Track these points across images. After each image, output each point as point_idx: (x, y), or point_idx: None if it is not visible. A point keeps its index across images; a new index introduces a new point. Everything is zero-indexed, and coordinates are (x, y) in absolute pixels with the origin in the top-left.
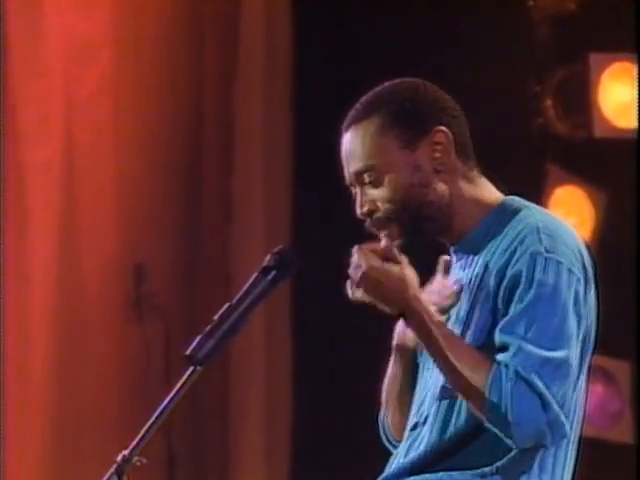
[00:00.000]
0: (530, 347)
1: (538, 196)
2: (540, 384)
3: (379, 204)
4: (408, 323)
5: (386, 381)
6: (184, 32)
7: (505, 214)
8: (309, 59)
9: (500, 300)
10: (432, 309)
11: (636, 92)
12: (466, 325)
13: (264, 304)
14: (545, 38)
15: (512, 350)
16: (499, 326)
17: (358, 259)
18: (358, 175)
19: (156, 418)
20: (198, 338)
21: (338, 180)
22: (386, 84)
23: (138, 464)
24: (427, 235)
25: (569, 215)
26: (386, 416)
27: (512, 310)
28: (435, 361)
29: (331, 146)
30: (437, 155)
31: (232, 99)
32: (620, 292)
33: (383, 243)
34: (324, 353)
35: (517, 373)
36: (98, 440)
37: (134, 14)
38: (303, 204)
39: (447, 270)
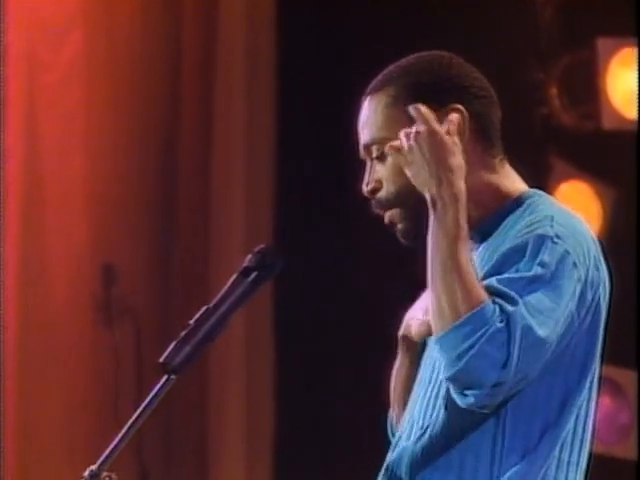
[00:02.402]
0: (526, 311)
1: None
2: (517, 348)
3: (383, 182)
4: (434, 205)
5: (393, 373)
6: (160, 14)
7: (521, 206)
8: (292, 55)
9: (493, 263)
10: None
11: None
12: None
13: (244, 308)
14: (549, 22)
15: (513, 300)
16: (496, 277)
17: (419, 116)
18: (367, 148)
19: (127, 431)
20: (173, 344)
21: (321, 178)
22: (412, 55)
23: None
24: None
25: (575, 212)
26: (393, 410)
27: (511, 272)
28: (434, 257)
29: (314, 144)
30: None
31: (211, 91)
32: (628, 295)
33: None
34: (308, 360)
35: (508, 322)
36: (64, 453)
37: None
38: (285, 202)
39: None
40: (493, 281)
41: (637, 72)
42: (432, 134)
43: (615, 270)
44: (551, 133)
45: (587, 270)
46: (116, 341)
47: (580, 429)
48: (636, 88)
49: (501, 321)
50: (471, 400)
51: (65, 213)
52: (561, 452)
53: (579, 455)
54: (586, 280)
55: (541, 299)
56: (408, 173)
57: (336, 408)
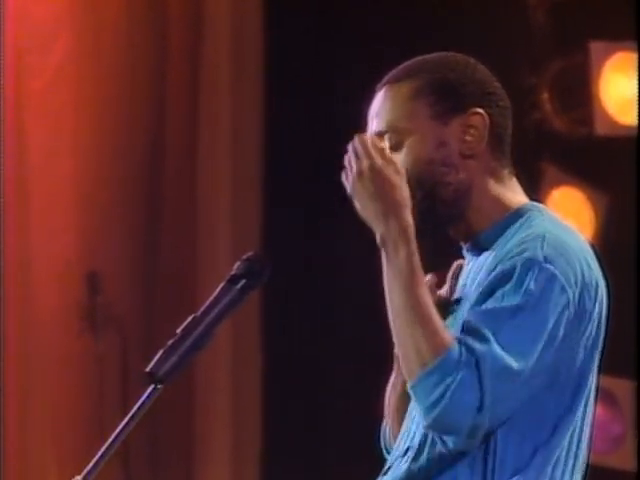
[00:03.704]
0: (498, 348)
1: (533, 199)
2: (490, 388)
3: None
4: (385, 245)
5: (388, 389)
6: (146, 18)
7: (518, 219)
8: (279, 58)
9: (481, 290)
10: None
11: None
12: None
13: (231, 316)
14: (541, 25)
15: (483, 339)
16: (473, 308)
17: (360, 150)
18: (379, 136)
19: (112, 441)
20: (159, 354)
21: (309, 183)
22: (435, 53)
23: None
24: (439, 220)
25: (566, 219)
26: (387, 425)
27: (491, 302)
28: (391, 301)
29: (302, 147)
30: (468, 138)
31: (197, 95)
32: (622, 304)
33: (386, 144)
34: (295, 368)
35: (477, 363)
36: (51, 463)
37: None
38: (273, 208)
39: (455, 278)
40: (471, 315)
41: (637, 77)
42: (375, 170)
43: (608, 277)
44: (543, 138)
45: (580, 291)
46: (101, 350)
47: (574, 446)
48: (629, 93)
49: (469, 364)
50: (450, 445)
51: (51, 219)
52: (554, 470)
53: (572, 471)
54: (579, 302)
55: (521, 329)
56: (355, 204)
57: (323, 415)
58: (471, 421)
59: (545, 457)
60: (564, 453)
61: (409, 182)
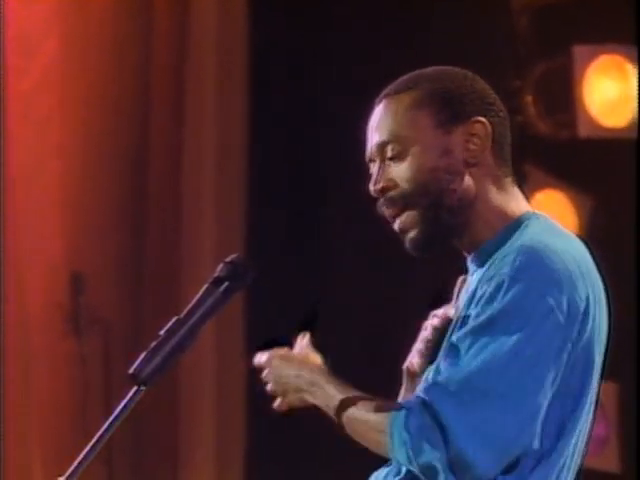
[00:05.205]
0: (453, 371)
1: None
2: (445, 414)
3: (398, 182)
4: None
5: None
6: (133, 21)
7: (517, 229)
8: (265, 62)
9: (463, 315)
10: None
11: (623, 87)
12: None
13: (215, 318)
14: (525, 29)
15: (431, 377)
16: (450, 339)
17: (265, 363)
18: (382, 146)
19: (95, 443)
20: (142, 355)
21: (293, 187)
22: (429, 68)
23: None
24: (444, 230)
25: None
26: None
27: (460, 333)
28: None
29: (286, 152)
30: (471, 147)
31: (182, 98)
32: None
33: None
34: None
35: (424, 403)
36: (33, 465)
37: (80, 3)
38: (258, 209)
39: (459, 293)
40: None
41: (638, 77)
42: (276, 377)
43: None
44: (526, 141)
45: (560, 299)
46: (85, 351)
47: (576, 456)
48: (613, 96)
49: (416, 410)
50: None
51: (37, 221)
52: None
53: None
54: (554, 309)
55: (490, 347)
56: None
57: (308, 418)
58: (443, 458)
59: (545, 471)
60: (568, 462)
61: (414, 191)
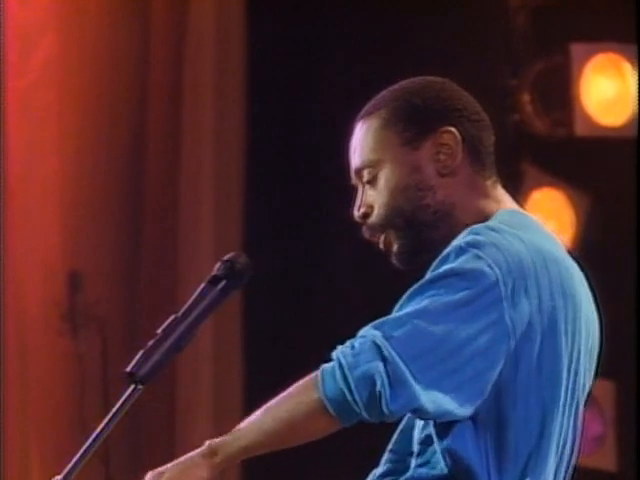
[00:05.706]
0: (405, 316)
1: (513, 200)
2: (380, 339)
3: (375, 207)
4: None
5: None
6: (130, 19)
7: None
8: (262, 63)
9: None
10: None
11: (621, 85)
12: None
13: (213, 316)
14: (522, 27)
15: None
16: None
17: None
18: (358, 172)
19: (92, 442)
20: (140, 354)
21: (291, 187)
22: (404, 80)
23: None
24: (426, 245)
25: (548, 220)
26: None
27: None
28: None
29: (284, 151)
30: (442, 157)
31: (180, 96)
32: (603, 303)
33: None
34: (277, 370)
35: (355, 339)
36: (30, 464)
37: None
38: (255, 208)
39: None
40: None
41: (638, 77)
42: None
43: (589, 278)
44: (523, 140)
45: (508, 279)
46: (82, 350)
47: (568, 452)
48: (610, 94)
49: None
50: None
51: (34, 218)
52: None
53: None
54: (498, 284)
55: (436, 298)
56: None
57: None
58: (382, 368)
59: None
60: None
61: (390, 214)
